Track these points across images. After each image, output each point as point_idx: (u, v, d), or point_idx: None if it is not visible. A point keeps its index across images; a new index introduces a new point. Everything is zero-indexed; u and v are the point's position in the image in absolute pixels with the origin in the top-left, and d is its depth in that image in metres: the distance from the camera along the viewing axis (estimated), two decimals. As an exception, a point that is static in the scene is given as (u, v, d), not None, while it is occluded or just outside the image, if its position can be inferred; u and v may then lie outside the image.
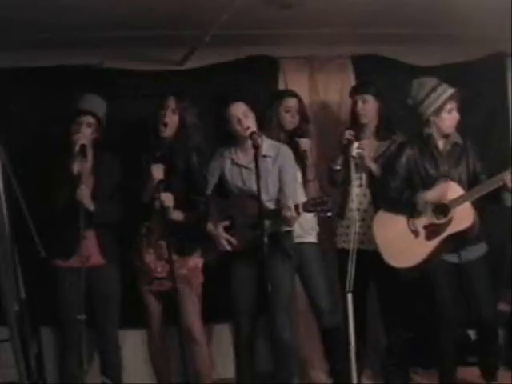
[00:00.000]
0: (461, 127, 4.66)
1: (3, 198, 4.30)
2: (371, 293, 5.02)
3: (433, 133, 4.61)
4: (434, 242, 4.56)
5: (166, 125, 4.52)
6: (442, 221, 4.52)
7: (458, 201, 4.47)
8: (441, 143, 4.63)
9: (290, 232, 4.65)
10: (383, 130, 4.93)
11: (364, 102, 4.89)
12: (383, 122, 4.93)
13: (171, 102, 4.55)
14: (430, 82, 4.62)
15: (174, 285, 4.23)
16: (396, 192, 4.65)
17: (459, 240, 4.52)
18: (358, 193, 4.88)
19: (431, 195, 4.54)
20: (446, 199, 4.50)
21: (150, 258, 4.57)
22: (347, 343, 4.72)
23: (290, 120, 4.95)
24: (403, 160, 4.66)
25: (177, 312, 4.28)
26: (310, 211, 4.39)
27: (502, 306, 5.32)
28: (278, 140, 4.85)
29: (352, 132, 4.81)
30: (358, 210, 4.85)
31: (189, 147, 4.57)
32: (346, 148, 4.81)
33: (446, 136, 4.62)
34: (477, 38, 5.19)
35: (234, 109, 4.56)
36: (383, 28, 5.05)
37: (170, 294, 4.31)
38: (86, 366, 4.38)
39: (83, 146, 4.39)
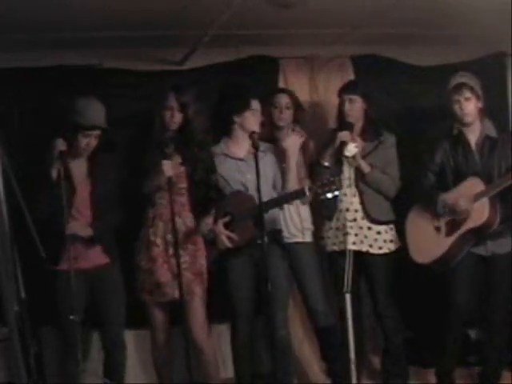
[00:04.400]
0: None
1: (3, 198, 4.30)
2: (366, 292, 5.03)
3: (460, 127, 4.66)
4: (452, 238, 4.63)
5: (174, 124, 4.51)
6: (462, 216, 4.57)
7: (477, 197, 4.51)
8: (472, 137, 4.67)
9: (280, 230, 4.69)
10: (370, 131, 4.93)
11: (351, 102, 4.89)
12: (370, 123, 4.94)
13: (173, 102, 4.51)
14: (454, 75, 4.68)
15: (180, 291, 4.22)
16: (429, 188, 4.72)
17: (480, 235, 4.57)
18: (347, 192, 4.89)
19: (450, 197, 4.59)
20: (465, 198, 4.55)
21: (167, 276, 4.43)
22: (344, 343, 4.74)
23: (279, 116, 4.96)
24: (437, 155, 4.72)
25: (183, 322, 4.31)
26: (317, 193, 4.38)
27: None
28: (271, 137, 4.90)
29: (348, 133, 4.82)
30: (348, 210, 4.86)
31: (192, 142, 4.56)
32: (340, 149, 4.82)
33: (464, 124, 4.65)
34: (477, 38, 5.20)
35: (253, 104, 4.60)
36: (383, 28, 5.05)
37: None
38: (81, 366, 4.39)
39: (62, 153, 4.34)
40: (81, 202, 4.48)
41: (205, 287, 4.55)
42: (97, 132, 4.45)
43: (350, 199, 4.89)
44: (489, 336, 4.73)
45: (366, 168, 4.85)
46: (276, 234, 4.60)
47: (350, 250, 4.80)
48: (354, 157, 4.83)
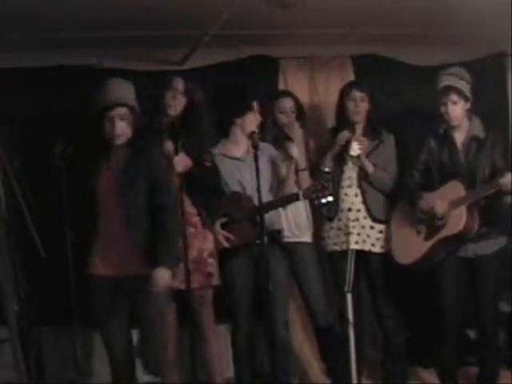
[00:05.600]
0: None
1: (3, 198, 4.30)
2: (366, 292, 5.04)
3: (447, 126, 4.64)
4: (430, 243, 4.61)
5: (175, 107, 4.35)
6: (440, 222, 4.56)
7: (456, 203, 4.50)
8: (458, 136, 4.64)
9: (279, 231, 4.68)
10: (370, 130, 4.95)
11: (360, 99, 4.90)
12: (371, 122, 4.96)
13: (178, 84, 4.35)
14: (447, 71, 4.63)
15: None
16: (412, 188, 4.70)
17: (457, 242, 4.55)
18: (348, 193, 4.90)
19: (428, 202, 4.58)
20: (441, 203, 4.53)
21: (195, 264, 4.29)
22: (344, 343, 4.74)
23: (285, 121, 4.95)
24: (423, 154, 4.70)
25: (192, 312, 4.28)
26: (311, 198, 4.40)
27: (501, 306, 5.33)
28: (274, 139, 4.90)
29: (349, 133, 4.84)
30: (350, 209, 4.87)
31: (199, 132, 4.44)
32: (345, 148, 4.83)
33: (454, 128, 4.62)
34: (477, 38, 5.20)
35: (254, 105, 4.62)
36: (383, 28, 5.06)
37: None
38: (80, 367, 4.37)
39: (64, 150, 4.07)
40: (105, 209, 4.04)
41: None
42: (121, 112, 3.95)
43: (351, 199, 4.89)
44: (482, 337, 4.71)
45: (369, 167, 4.86)
46: (275, 235, 4.60)
47: (352, 250, 4.80)
48: (358, 156, 4.84)
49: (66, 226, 4.19)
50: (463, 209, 4.48)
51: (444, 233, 4.55)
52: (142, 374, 4.79)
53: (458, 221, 4.49)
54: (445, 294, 4.62)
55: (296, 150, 4.73)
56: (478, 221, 4.50)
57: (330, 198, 4.40)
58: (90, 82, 5.00)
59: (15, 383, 4.40)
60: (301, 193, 4.44)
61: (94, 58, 5.14)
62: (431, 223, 4.60)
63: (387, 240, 4.84)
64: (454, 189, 4.54)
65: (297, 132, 4.88)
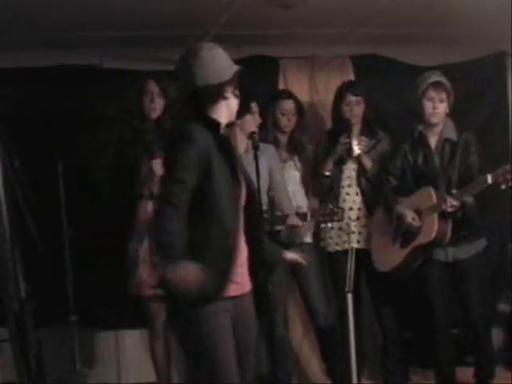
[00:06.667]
0: (461, 127, 4.67)
1: (3, 198, 4.30)
2: (366, 292, 5.04)
3: (422, 129, 4.61)
4: (406, 251, 4.61)
5: (155, 111, 4.34)
6: (417, 225, 4.54)
7: (428, 211, 4.49)
8: (432, 139, 4.62)
9: (279, 231, 4.67)
10: (367, 130, 4.96)
11: (356, 103, 4.91)
12: (368, 123, 4.97)
13: (153, 86, 4.38)
14: (427, 73, 4.62)
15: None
16: (388, 194, 4.70)
17: (432, 249, 4.54)
18: (349, 192, 4.91)
19: (401, 210, 4.58)
20: (420, 208, 4.54)
21: None
22: (344, 343, 4.74)
23: (287, 123, 4.96)
24: (398, 158, 4.69)
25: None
26: (319, 221, 4.42)
27: (501, 306, 5.33)
28: (276, 141, 4.90)
29: (351, 133, 4.85)
30: (352, 209, 4.88)
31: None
32: (346, 151, 4.84)
33: (430, 126, 4.58)
34: (477, 38, 5.20)
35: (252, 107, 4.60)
36: (383, 28, 5.06)
37: None
38: (78, 367, 4.36)
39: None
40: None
41: None
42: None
43: (352, 198, 4.90)
44: (474, 339, 4.69)
45: (368, 163, 4.86)
46: (275, 235, 4.60)
47: (352, 249, 4.80)
48: (358, 156, 4.85)
49: (64, 225, 4.19)
50: (435, 216, 4.45)
51: (418, 241, 4.54)
52: None
53: (430, 229, 4.47)
54: (432, 297, 4.61)
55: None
56: (450, 226, 4.46)
57: (336, 224, 4.49)
58: (89, 81, 5.03)
59: (15, 383, 4.40)
60: (309, 214, 4.44)
61: (94, 58, 5.14)
62: (406, 231, 4.61)
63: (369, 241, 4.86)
64: (426, 196, 4.52)
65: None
